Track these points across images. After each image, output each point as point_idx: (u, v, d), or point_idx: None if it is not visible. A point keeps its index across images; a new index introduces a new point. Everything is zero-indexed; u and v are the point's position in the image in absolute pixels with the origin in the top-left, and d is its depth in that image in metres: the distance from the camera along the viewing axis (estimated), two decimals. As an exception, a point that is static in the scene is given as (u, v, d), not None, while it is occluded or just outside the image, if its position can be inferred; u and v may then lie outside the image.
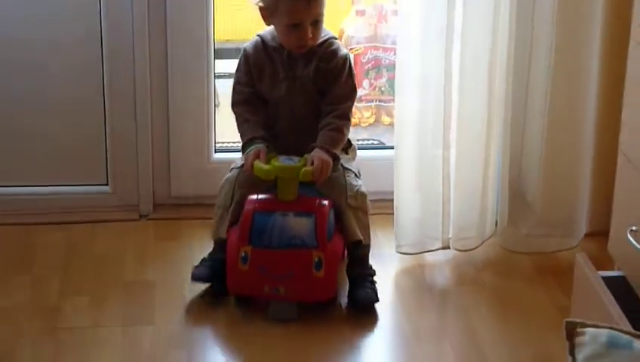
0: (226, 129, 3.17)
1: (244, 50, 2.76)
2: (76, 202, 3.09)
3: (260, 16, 2.70)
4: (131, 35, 2.96)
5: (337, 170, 2.69)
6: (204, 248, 2.83)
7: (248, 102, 2.76)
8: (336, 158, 2.68)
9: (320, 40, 2.71)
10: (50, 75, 3.01)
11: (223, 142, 3.20)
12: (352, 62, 2.79)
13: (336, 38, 2.77)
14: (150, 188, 3.11)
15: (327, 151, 2.65)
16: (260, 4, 2.68)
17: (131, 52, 2.99)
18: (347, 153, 2.81)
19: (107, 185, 3.10)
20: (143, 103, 3.03)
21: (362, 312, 2.69)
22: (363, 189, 2.74)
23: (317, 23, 2.66)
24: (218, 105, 3.30)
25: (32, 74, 3.00)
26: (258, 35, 2.76)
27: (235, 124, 2.79)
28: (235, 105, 2.77)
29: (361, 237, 2.72)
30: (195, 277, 2.74)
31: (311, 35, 2.65)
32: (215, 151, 3.14)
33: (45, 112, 3.03)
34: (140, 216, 3.10)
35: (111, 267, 2.84)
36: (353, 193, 2.71)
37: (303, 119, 2.74)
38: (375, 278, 2.75)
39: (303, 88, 2.72)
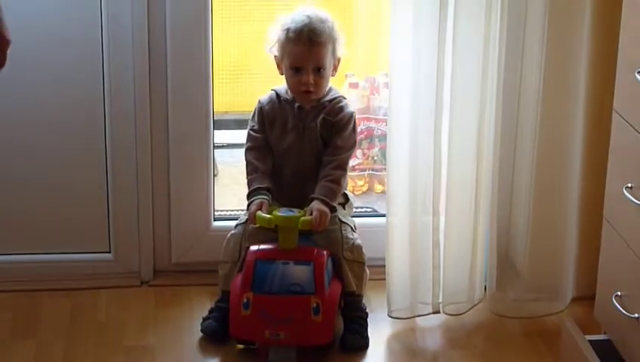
0: (224, 198, 3.21)
1: (259, 101, 2.87)
2: (80, 269, 3.09)
3: (276, 67, 2.82)
4: (133, 109, 2.99)
5: (335, 223, 2.76)
6: (204, 313, 2.85)
7: (260, 148, 2.84)
8: (333, 210, 2.75)
9: (330, 97, 2.81)
10: (56, 155, 3.05)
11: (222, 210, 3.21)
12: (356, 121, 2.87)
13: (345, 98, 2.86)
14: (151, 256, 3.11)
15: (326, 203, 2.73)
16: (275, 52, 2.80)
17: (133, 121, 3.00)
18: (344, 208, 2.88)
19: (109, 252, 3.11)
20: (144, 174, 3.05)
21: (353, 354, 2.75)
22: (358, 242, 2.80)
23: (320, 70, 2.75)
24: (217, 175, 3.32)
25: (39, 154, 3.04)
26: (273, 90, 2.86)
27: (243, 167, 2.86)
28: (248, 151, 2.85)
29: (355, 288, 2.79)
30: (205, 332, 2.79)
31: (313, 82, 2.74)
32: (214, 220, 3.15)
33: (52, 188, 3.06)
34: (142, 283, 3.10)
35: (113, 332, 2.85)
36: (349, 246, 2.78)
37: (308, 170, 2.82)
38: (368, 320, 2.82)
39: (309, 139, 2.81)
